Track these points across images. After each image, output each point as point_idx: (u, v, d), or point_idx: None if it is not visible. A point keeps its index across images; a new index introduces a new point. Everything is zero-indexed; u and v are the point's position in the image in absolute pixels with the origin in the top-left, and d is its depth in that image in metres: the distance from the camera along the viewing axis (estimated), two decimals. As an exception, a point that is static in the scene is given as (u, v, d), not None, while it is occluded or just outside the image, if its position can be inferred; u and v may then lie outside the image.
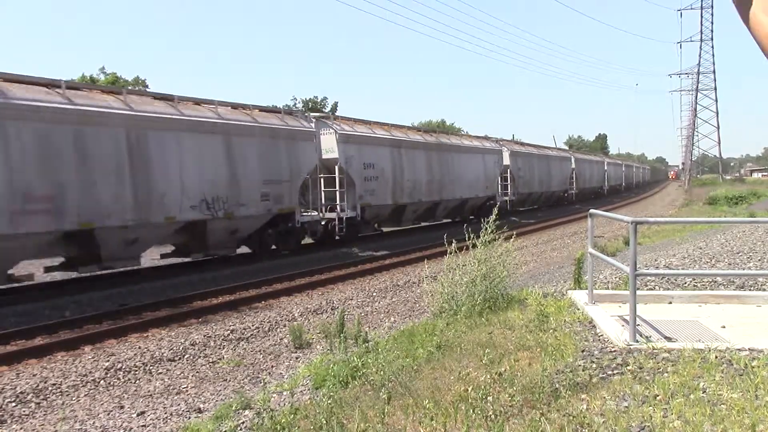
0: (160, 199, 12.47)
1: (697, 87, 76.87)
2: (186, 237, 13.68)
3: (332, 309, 10.16)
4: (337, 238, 18.34)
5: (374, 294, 11.49)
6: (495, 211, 7.69)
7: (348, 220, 18.24)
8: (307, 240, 18.18)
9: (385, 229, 22.03)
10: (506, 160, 30.03)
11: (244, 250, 15.71)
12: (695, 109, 77.22)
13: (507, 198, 29.63)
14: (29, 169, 10.11)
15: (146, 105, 12.58)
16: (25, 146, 10.09)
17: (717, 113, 78.30)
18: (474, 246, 7.38)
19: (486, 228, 7.42)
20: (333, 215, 17.94)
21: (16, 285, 11.13)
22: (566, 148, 60.46)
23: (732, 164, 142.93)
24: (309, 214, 17.04)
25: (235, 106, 14.99)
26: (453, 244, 7.37)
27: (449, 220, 25.89)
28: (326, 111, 46.23)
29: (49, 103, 10.55)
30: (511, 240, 7.85)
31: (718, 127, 78.91)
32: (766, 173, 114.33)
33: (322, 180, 17.92)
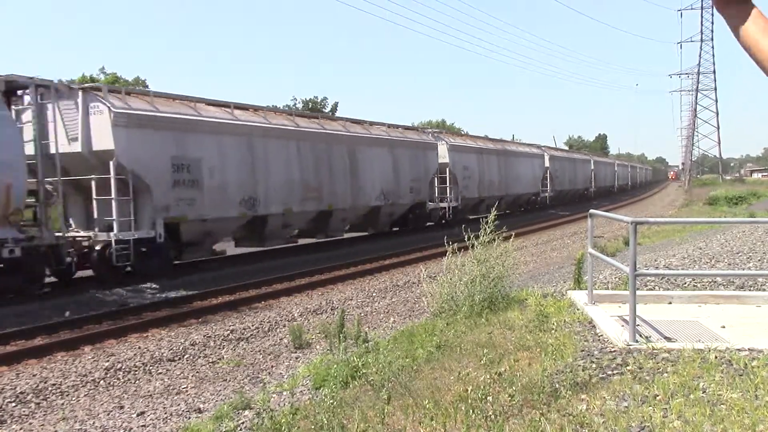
0: (362, 192, 19.29)
1: (697, 87, 76.87)
2: (365, 218, 20.30)
3: (332, 309, 10.16)
4: (443, 222, 23.94)
5: (374, 294, 11.49)
6: (493, 211, 7.70)
7: (452, 208, 24.72)
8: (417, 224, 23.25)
9: (470, 217, 25.16)
10: (546, 163, 36.55)
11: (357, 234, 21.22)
12: (695, 110, 77.24)
13: (547, 194, 36.06)
14: (308, 172, 16.83)
15: (353, 127, 19.82)
16: (306, 156, 16.81)
17: (717, 113, 78.34)
18: (473, 246, 7.38)
19: (485, 228, 7.42)
20: (444, 204, 24.34)
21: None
22: (585, 151, 65.98)
23: (732, 164, 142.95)
24: (433, 203, 23.81)
25: (391, 126, 22.36)
26: (453, 245, 7.38)
27: (506, 212, 30.36)
28: (326, 111, 46.22)
29: (321, 129, 17.94)
30: (510, 240, 7.85)
31: (718, 128, 78.95)
32: (766, 173, 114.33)
33: (437, 179, 23.96)
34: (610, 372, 4.40)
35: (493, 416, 3.56)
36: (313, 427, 3.88)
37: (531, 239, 20.27)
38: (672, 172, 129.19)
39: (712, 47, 77.28)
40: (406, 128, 23.91)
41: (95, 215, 12.13)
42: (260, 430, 4.16)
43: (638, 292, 5.88)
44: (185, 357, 7.71)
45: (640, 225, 6.44)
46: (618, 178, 60.81)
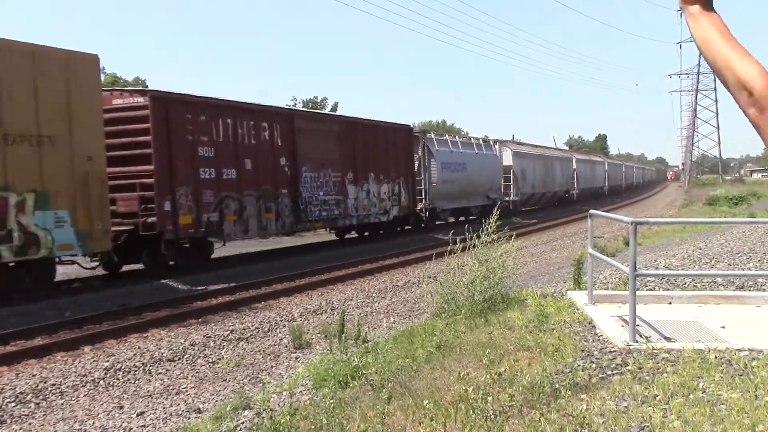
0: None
1: (697, 87, 76.88)
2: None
3: (332, 309, 10.16)
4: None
5: (374, 294, 11.49)
6: (495, 212, 7.70)
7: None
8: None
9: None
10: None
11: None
12: (695, 110, 77.24)
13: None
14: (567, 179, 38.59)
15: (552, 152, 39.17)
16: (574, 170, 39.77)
17: (717, 113, 78.35)
18: (474, 246, 7.38)
19: (487, 228, 7.42)
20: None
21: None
22: (600, 154, 76.76)
23: (732, 165, 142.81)
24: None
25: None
26: (455, 244, 7.38)
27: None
28: (327, 111, 46.19)
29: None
30: (512, 240, 7.85)
31: (718, 128, 78.96)
32: (766, 174, 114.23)
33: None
34: (610, 372, 4.40)
35: (493, 416, 3.56)
36: (312, 427, 3.88)
37: (531, 239, 20.26)
38: (671, 172, 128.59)
39: (712, 47, 77.03)
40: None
41: (502, 190, 30.15)
42: (260, 430, 4.16)
43: (638, 293, 5.88)
44: (185, 357, 7.70)
45: (640, 225, 6.43)
46: (626, 178, 67.30)
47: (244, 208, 14.47)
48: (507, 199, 30.01)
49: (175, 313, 9.81)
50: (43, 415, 5.90)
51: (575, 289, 7.80)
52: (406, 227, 22.23)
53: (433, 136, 24.34)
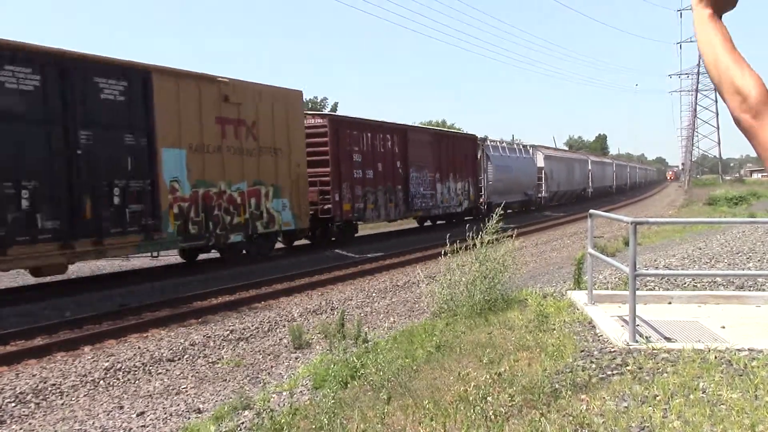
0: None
1: (697, 87, 76.84)
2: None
3: (332, 309, 10.16)
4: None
5: (374, 294, 11.49)
6: (498, 210, 7.70)
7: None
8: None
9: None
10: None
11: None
12: (695, 110, 77.22)
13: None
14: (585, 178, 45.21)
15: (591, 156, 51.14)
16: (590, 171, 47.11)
17: (717, 114, 78.29)
18: (474, 246, 7.38)
19: (488, 228, 7.42)
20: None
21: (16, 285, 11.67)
22: (610, 155, 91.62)
23: (732, 165, 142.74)
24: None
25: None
26: (454, 244, 7.38)
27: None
28: (327, 111, 46.22)
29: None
30: (512, 240, 7.86)
31: (718, 128, 78.90)
32: (766, 174, 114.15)
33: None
34: (610, 372, 4.40)
35: (493, 416, 3.56)
36: (312, 427, 3.88)
37: (531, 239, 20.26)
38: (670, 172, 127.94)
39: (712, 47, 76.96)
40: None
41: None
42: (260, 430, 4.16)
43: (638, 292, 5.88)
44: (185, 357, 7.70)
45: (640, 225, 6.43)
46: (630, 177, 73.26)
47: (377, 199, 19.97)
48: (539, 195, 35.69)
49: (175, 313, 9.81)
50: (43, 415, 5.90)
51: (575, 289, 7.80)
52: (467, 218, 26.65)
53: (489, 143, 29.56)
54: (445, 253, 7.64)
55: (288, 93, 15.91)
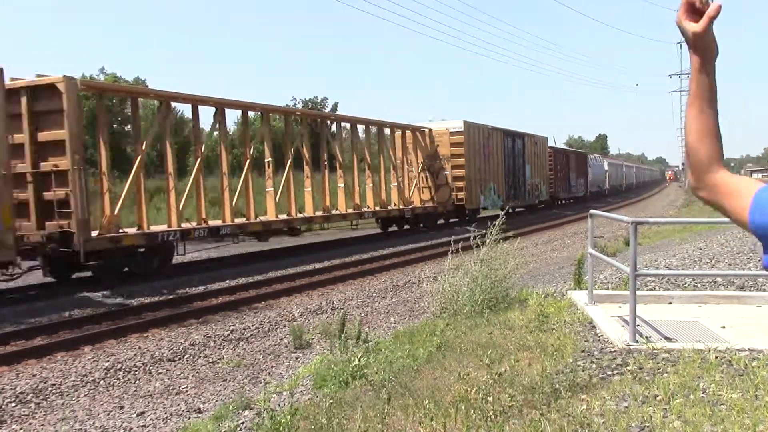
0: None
1: (697, 87, 77.09)
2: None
3: (332, 309, 10.16)
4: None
5: (374, 294, 11.49)
6: (501, 215, 7.70)
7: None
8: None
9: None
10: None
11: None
12: (695, 110, 77.26)
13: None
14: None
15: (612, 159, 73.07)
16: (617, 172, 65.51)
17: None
18: (477, 246, 7.38)
19: (491, 230, 7.42)
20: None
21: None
22: (630, 160, 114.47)
23: (732, 164, 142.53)
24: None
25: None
26: (457, 245, 7.38)
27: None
28: (326, 111, 46.22)
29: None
30: (516, 242, 7.86)
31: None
32: (766, 173, 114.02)
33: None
34: (610, 372, 4.40)
35: (493, 416, 3.56)
36: (313, 427, 3.88)
37: (531, 239, 20.25)
38: (669, 172, 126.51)
39: (712, 47, 77.37)
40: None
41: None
42: (260, 430, 4.17)
43: (638, 292, 5.88)
44: (185, 357, 7.70)
45: (640, 225, 6.43)
46: (636, 177, 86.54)
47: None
48: (605, 187, 55.88)
49: (175, 313, 9.81)
50: (44, 415, 5.90)
51: (576, 289, 7.80)
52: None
53: (590, 156, 51.50)
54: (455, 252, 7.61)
55: (537, 138, 33.85)
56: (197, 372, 7.17)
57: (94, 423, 5.58)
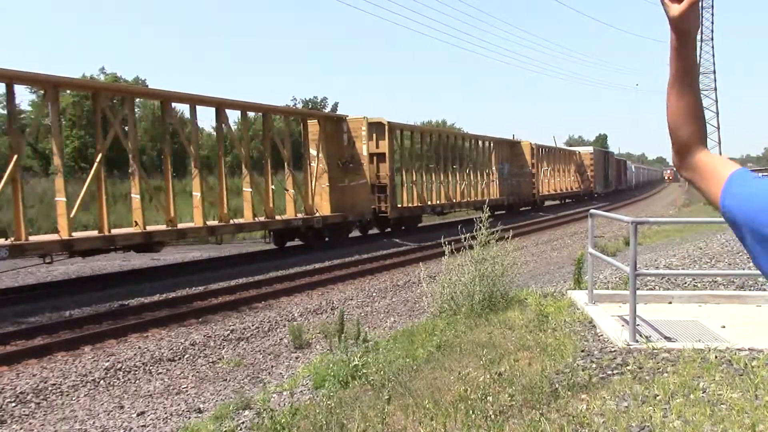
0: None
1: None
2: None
3: (332, 309, 10.16)
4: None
5: (374, 294, 11.49)
6: (485, 209, 7.69)
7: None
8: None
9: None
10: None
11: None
12: (695, 110, 76.99)
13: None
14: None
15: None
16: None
17: (717, 113, 78.22)
18: (471, 247, 7.36)
19: (481, 230, 7.40)
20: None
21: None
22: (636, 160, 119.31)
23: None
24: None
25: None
26: (450, 245, 7.37)
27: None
28: (326, 111, 46.25)
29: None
30: (509, 240, 7.85)
31: (719, 128, 78.83)
32: (766, 173, 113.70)
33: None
34: (610, 372, 4.40)
35: (493, 416, 3.56)
36: (312, 427, 3.88)
37: (531, 239, 20.25)
38: (668, 171, 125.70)
39: (712, 47, 76.98)
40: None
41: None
42: (260, 430, 4.17)
43: (638, 292, 5.88)
44: (185, 357, 7.71)
45: (640, 225, 6.43)
46: (643, 176, 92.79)
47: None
48: (632, 185, 69.12)
49: (175, 313, 9.81)
50: (44, 414, 5.90)
51: (575, 289, 7.80)
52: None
53: (629, 162, 67.66)
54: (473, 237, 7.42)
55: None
56: (197, 372, 7.17)
57: (94, 423, 5.58)
